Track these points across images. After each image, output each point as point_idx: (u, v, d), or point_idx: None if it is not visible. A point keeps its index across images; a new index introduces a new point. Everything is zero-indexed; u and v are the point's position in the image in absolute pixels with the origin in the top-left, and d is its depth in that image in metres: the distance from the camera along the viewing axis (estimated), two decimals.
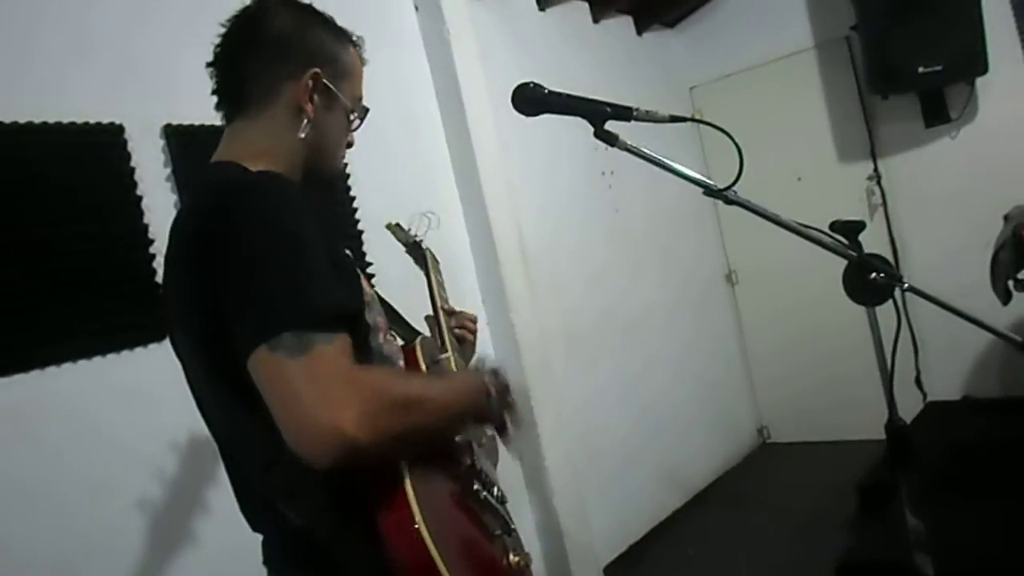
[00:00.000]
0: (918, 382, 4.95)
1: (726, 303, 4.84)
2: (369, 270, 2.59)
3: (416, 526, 1.01)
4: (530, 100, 1.37)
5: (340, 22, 1.31)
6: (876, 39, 3.92)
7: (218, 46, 1.23)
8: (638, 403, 3.86)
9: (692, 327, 4.42)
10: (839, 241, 1.51)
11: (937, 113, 4.17)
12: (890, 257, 4.39)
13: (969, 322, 1.51)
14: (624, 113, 1.38)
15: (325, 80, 1.22)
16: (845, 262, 1.49)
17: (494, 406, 1.23)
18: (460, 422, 1.22)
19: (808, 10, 4.50)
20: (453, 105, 3.10)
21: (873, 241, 4.37)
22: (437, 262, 1.67)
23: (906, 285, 1.49)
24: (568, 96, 1.38)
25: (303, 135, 1.21)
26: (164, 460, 2.08)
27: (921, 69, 3.82)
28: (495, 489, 1.32)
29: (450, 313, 1.55)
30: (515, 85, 1.37)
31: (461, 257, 3.10)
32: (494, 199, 3.12)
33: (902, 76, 3.89)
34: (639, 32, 4.52)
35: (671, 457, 4.01)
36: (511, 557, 1.23)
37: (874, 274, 1.48)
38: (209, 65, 1.24)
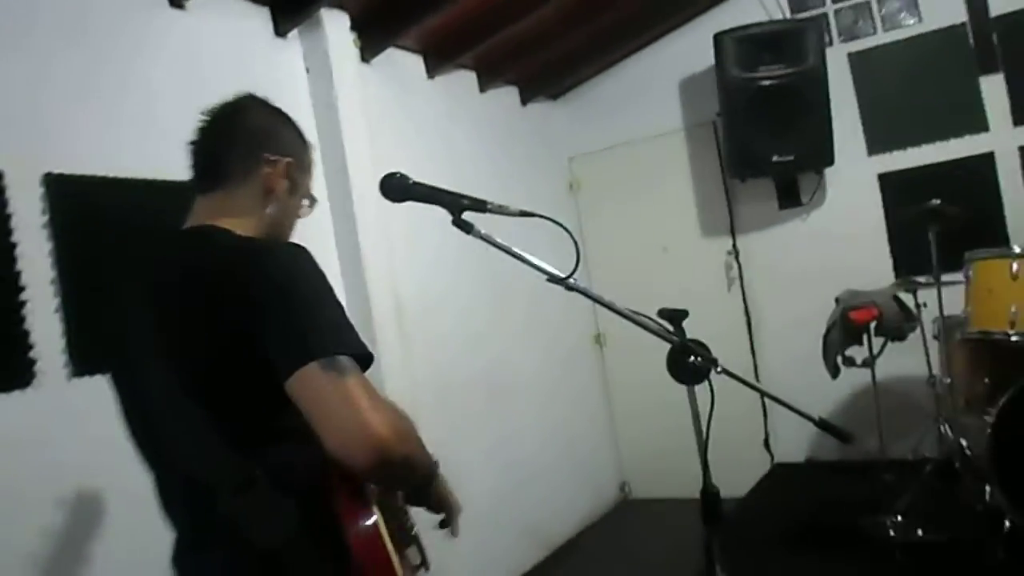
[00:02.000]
0: (766, 444, 5.27)
1: (594, 364, 5.07)
2: None
3: (382, 539, 1.22)
4: (396, 188, 1.53)
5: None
6: (737, 128, 4.30)
7: (203, 129, 1.44)
8: (504, 459, 3.99)
9: (561, 386, 4.61)
10: (664, 327, 1.69)
11: (790, 197, 4.59)
12: (744, 326, 4.73)
13: (768, 398, 1.70)
14: (479, 206, 1.54)
15: (292, 170, 1.47)
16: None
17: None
18: (425, 479, 1.43)
19: (680, 94, 4.88)
20: (337, 165, 3.21)
21: (730, 311, 4.74)
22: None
23: (719, 368, 1.68)
24: (430, 187, 1.53)
25: (270, 211, 1.45)
26: (30, 507, 2.08)
27: (775, 158, 4.21)
28: (415, 527, 1.52)
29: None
30: (383, 174, 1.53)
31: None
32: (372, 258, 3.23)
33: (759, 163, 4.29)
34: (523, 103, 4.76)
35: (534, 512, 4.14)
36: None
37: (692, 357, 1.67)
38: (192, 144, 1.44)
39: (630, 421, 5.07)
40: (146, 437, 1.37)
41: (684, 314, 1.72)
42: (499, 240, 1.58)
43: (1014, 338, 3.01)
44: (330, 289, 1.27)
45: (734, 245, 4.75)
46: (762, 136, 4.19)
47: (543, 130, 4.91)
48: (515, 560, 3.96)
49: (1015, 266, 3.01)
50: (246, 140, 1.44)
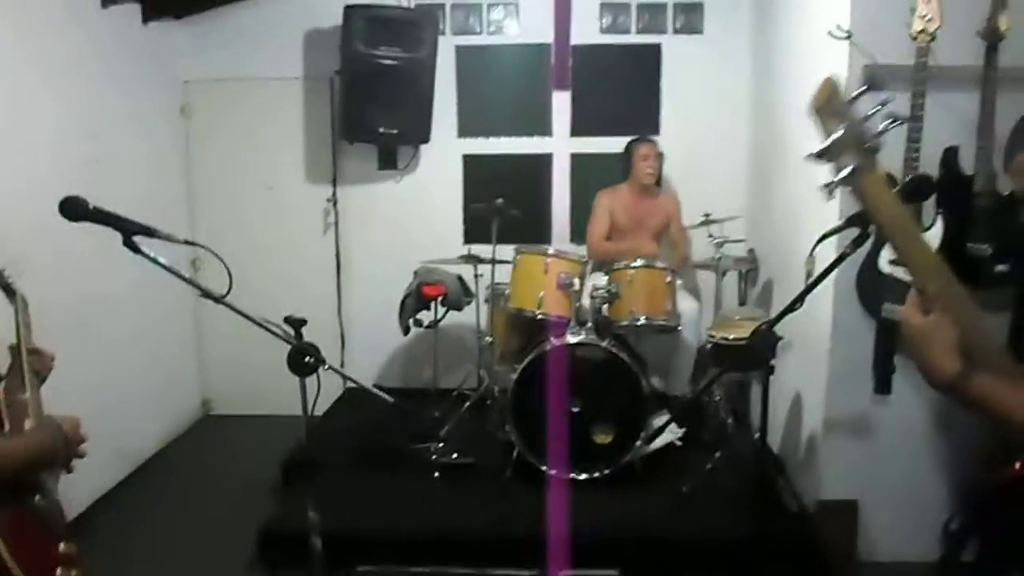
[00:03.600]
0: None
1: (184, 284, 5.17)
2: None
3: None
4: (75, 210, 1.77)
5: None
6: (353, 97, 4.76)
7: None
8: (94, 381, 4.00)
9: (151, 305, 4.61)
10: (287, 332, 2.13)
11: (388, 161, 5.18)
12: (334, 268, 5.27)
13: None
14: (148, 231, 1.83)
15: None
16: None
17: (59, 455, 1.72)
18: (28, 468, 1.66)
19: (304, 44, 5.15)
20: None
21: (324, 250, 5.22)
22: (27, 304, 2.00)
23: (327, 366, 2.17)
24: (107, 212, 1.79)
25: None
26: None
27: (382, 129, 4.76)
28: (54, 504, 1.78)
29: (32, 352, 1.91)
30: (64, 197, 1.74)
31: None
32: None
33: (367, 131, 4.81)
34: (144, 21, 4.64)
35: (120, 430, 4.24)
36: (62, 547, 1.75)
37: (308, 358, 2.14)
38: None
39: (216, 341, 5.30)
40: None
41: (304, 322, 2.17)
42: (162, 260, 1.87)
43: (539, 316, 3.96)
44: None
45: (334, 194, 5.22)
46: (373, 108, 4.70)
47: (161, 51, 4.84)
48: (101, 478, 4.10)
49: (547, 262, 3.96)
50: None
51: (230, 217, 5.16)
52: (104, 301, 4.19)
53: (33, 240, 3.62)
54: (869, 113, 1.39)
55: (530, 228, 4.75)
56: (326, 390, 5.44)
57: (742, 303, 4.30)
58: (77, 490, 3.87)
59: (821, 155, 1.31)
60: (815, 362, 3.46)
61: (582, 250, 4.70)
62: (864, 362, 3.27)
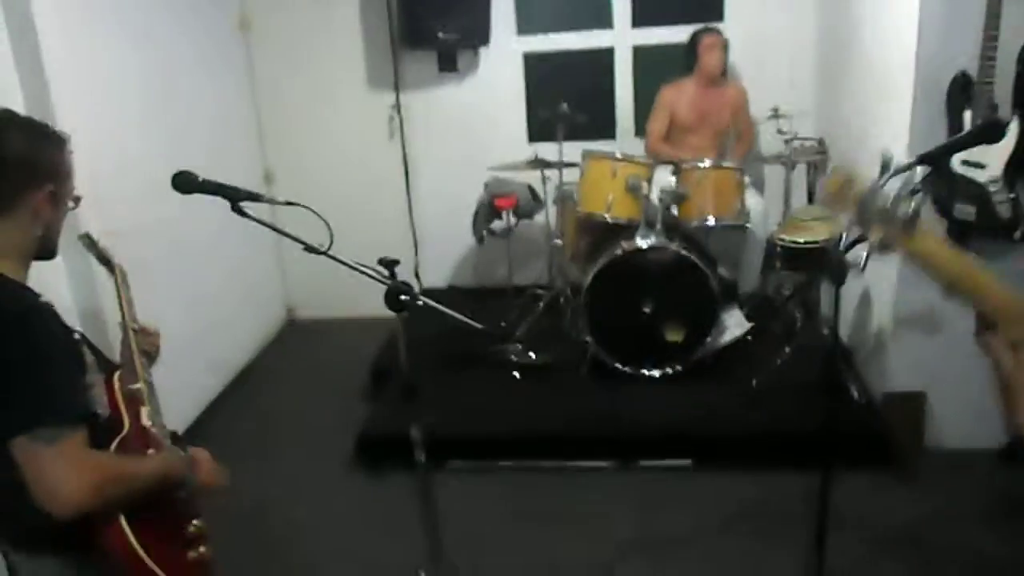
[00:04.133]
0: (416, 274, 6.13)
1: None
2: None
3: (127, 536, 1.57)
4: (187, 183, 1.89)
5: None
6: (408, 2, 4.72)
7: None
8: (188, 298, 4.23)
9: (231, 225, 4.80)
10: (382, 273, 2.27)
11: (448, 64, 5.17)
12: (403, 173, 5.36)
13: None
14: (255, 197, 1.95)
15: (55, 191, 1.61)
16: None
17: (184, 478, 1.78)
18: (158, 486, 1.69)
19: None
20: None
21: (391, 158, 5.32)
22: (125, 274, 1.97)
23: (421, 302, 2.30)
24: (216, 183, 1.90)
25: (38, 232, 1.61)
26: None
27: (441, 35, 4.74)
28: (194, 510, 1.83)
29: (136, 331, 1.90)
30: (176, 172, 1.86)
31: None
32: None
33: (426, 37, 4.79)
34: None
35: (215, 344, 4.50)
36: (200, 549, 1.79)
37: (403, 296, 2.28)
38: None
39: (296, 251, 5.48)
40: None
41: (396, 262, 2.30)
42: (266, 220, 2.00)
43: (609, 219, 4.05)
44: (53, 350, 1.50)
45: (397, 100, 5.25)
46: (431, 14, 4.67)
47: None
48: (204, 392, 4.38)
49: (615, 167, 4.00)
50: (6, 174, 1.54)
51: (297, 129, 5.27)
52: (190, 221, 4.35)
53: (125, 173, 3.79)
54: (890, 192, 1.32)
55: (594, 126, 4.74)
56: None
57: (810, 200, 4.29)
58: (188, 407, 4.16)
59: (857, 240, 1.30)
60: (885, 260, 3.49)
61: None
62: None
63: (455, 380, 4.18)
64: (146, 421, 1.78)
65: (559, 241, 4.46)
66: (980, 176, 2.99)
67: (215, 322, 4.50)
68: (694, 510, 3.31)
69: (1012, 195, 2.98)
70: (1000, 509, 3.20)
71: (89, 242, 1.99)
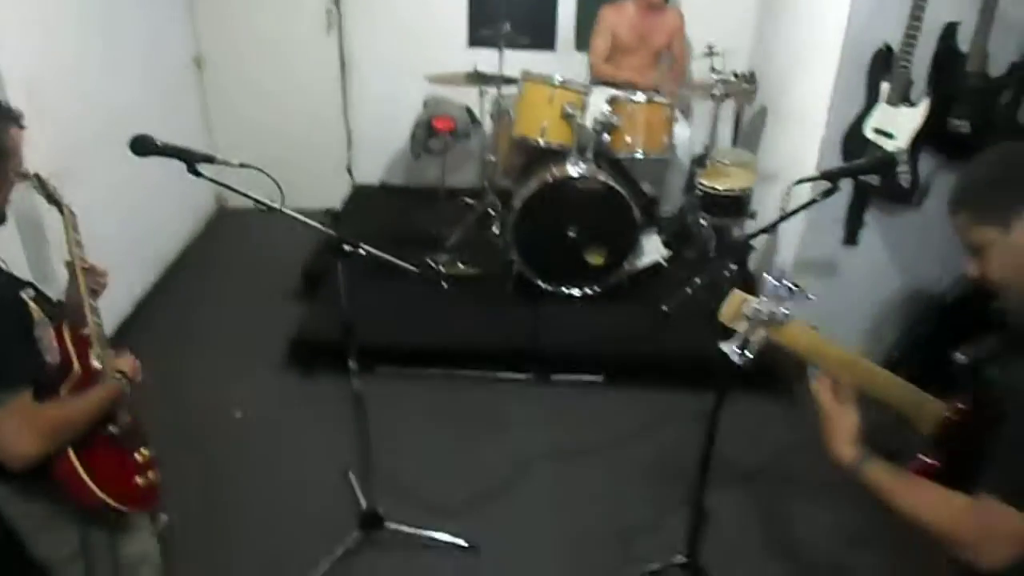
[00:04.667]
0: (349, 170, 6.16)
1: (193, 88, 5.19)
2: None
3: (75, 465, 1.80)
4: (144, 146, 1.97)
5: None
6: None
7: None
8: (124, 200, 4.24)
9: (165, 114, 4.68)
10: (325, 223, 2.39)
11: None
12: (338, 64, 5.29)
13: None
14: (209, 159, 2.04)
15: (2, 166, 1.71)
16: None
17: (123, 398, 1.96)
18: (101, 414, 1.89)
19: None
20: None
21: (328, 51, 5.24)
22: (74, 216, 2.01)
23: (363, 251, 2.44)
24: (173, 147, 1.98)
25: None
26: None
27: None
28: (128, 425, 2.01)
29: (86, 270, 1.98)
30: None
31: None
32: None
33: None
34: None
35: (148, 237, 4.54)
36: (149, 475, 2.03)
37: (348, 247, 2.41)
38: None
39: (232, 139, 5.22)
40: None
41: (338, 216, 2.43)
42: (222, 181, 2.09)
43: (542, 143, 4.17)
44: None
45: None
46: None
47: None
48: (138, 284, 4.44)
49: (552, 94, 4.09)
50: None
51: (232, 14, 5.12)
52: (125, 122, 4.27)
53: (63, 86, 3.67)
54: (772, 307, 1.73)
55: (535, 34, 4.76)
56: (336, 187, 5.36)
57: (735, 141, 4.48)
58: (122, 301, 4.22)
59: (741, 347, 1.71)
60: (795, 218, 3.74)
61: (587, 62, 4.80)
62: (838, 217, 3.59)
63: (387, 286, 4.31)
64: (95, 362, 1.92)
65: (492, 157, 4.56)
66: (888, 145, 3.22)
67: (142, 210, 4.43)
68: (602, 423, 3.64)
69: (913, 166, 3.24)
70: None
71: (38, 183, 2.02)
